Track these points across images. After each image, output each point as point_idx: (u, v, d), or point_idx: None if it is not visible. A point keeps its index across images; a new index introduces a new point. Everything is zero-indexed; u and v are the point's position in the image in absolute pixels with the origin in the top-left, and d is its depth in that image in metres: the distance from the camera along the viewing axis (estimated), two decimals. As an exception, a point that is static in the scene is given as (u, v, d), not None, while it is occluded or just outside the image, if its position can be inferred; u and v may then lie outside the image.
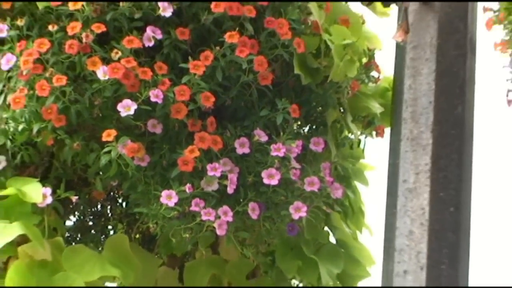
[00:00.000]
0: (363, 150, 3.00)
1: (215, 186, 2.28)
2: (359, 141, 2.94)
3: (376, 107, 2.79)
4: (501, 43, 2.55)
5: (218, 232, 2.30)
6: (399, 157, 2.61)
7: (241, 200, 2.32)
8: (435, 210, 2.47)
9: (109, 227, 2.88)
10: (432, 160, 2.52)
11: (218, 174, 2.26)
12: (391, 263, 2.50)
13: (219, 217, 2.26)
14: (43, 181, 2.35)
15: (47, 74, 2.25)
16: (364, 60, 2.79)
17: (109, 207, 2.86)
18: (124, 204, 2.83)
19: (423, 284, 2.40)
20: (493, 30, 2.58)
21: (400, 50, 2.79)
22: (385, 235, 2.64)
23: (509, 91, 2.53)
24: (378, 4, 2.91)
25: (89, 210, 2.84)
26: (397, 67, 2.79)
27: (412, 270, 2.42)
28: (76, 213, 2.82)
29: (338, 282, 2.81)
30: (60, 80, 2.22)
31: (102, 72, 2.24)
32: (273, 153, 2.34)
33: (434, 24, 2.70)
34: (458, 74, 2.63)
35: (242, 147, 2.35)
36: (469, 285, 2.58)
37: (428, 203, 2.47)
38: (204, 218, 2.26)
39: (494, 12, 2.55)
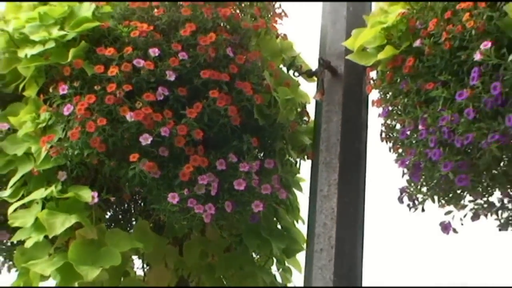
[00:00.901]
0: (298, 168, 2.95)
1: (203, 190, 2.31)
2: (296, 162, 2.89)
3: (307, 140, 2.81)
4: (377, 101, 2.47)
5: (206, 220, 2.32)
6: (318, 175, 2.68)
7: (220, 200, 2.32)
8: (341, 210, 2.55)
9: (133, 219, 2.83)
10: (339, 177, 2.59)
11: (205, 182, 2.30)
12: (312, 243, 2.57)
13: (206, 211, 2.28)
14: (91, 188, 2.35)
15: (93, 118, 2.27)
16: (299, 109, 2.80)
17: (132, 205, 2.82)
18: (142, 203, 2.77)
19: (333, 258, 2.46)
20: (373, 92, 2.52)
21: (319, 104, 2.83)
22: (309, 225, 2.71)
23: (382, 131, 2.45)
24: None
25: (120, 207, 2.80)
26: (317, 116, 2.84)
27: (325, 249, 2.49)
28: (112, 208, 2.79)
29: (283, 254, 2.82)
30: (102, 121, 2.24)
31: (129, 116, 2.26)
32: (241, 169, 2.40)
33: (340, 89, 2.74)
34: (357, 121, 2.72)
35: (221, 165, 2.39)
36: (364, 258, 2.65)
37: (336, 205, 2.55)
38: (196, 211, 2.29)
39: (373, 80, 2.49)
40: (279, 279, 2.97)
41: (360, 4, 2.83)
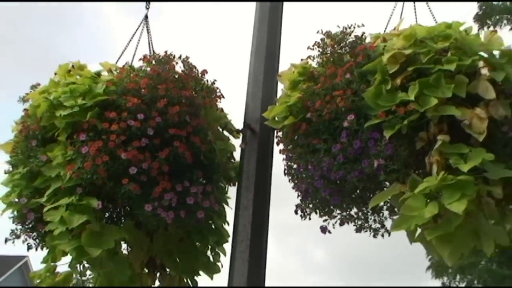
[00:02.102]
0: (227, 191, 3.41)
1: (167, 203, 2.80)
2: (225, 187, 3.35)
3: (233, 174, 3.33)
4: (282, 150, 3.04)
5: (168, 221, 2.84)
6: (240, 194, 3.19)
7: (178, 209, 2.82)
8: (254, 216, 3.11)
9: (122, 219, 3.16)
10: (254, 196, 3.15)
11: (169, 198, 2.80)
12: (236, 236, 3.12)
13: (169, 216, 2.80)
14: (97, 198, 2.84)
15: (100, 155, 2.78)
16: (229, 154, 3.31)
17: (122, 210, 3.13)
18: (129, 209, 3.05)
19: (248, 247, 3.02)
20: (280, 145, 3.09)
21: (243, 151, 3.32)
22: (234, 224, 3.17)
23: (285, 169, 3.03)
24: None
25: (115, 211, 3.14)
26: (241, 158, 3.34)
27: (244, 240, 3.05)
28: (109, 211, 3.13)
29: (215, 244, 3.29)
30: (105, 158, 2.78)
31: (123, 155, 2.78)
32: (192, 191, 2.88)
33: (256, 142, 3.26)
34: (266, 162, 3.29)
35: (179, 187, 2.85)
36: (268, 247, 3.13)
37: (251, 213, 3.10)
38: (163, 215, 2.80)
39: (280, 137, 3.05)
40: (211, 259, 3.36)
41: (270, 88, 3.36)
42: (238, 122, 3.44)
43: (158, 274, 3.28)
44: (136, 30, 3.69)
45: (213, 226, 3.33)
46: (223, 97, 3.26)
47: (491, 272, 21.39)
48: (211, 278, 3.30)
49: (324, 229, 3.02)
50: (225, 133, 3.33)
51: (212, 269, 3.31)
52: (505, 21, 15.73)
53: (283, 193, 3.50)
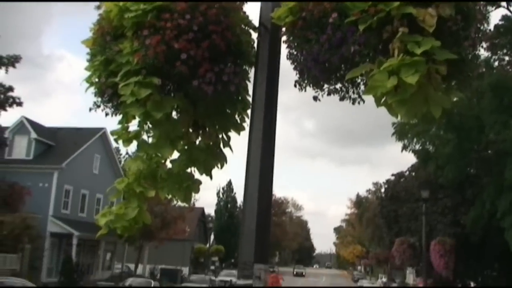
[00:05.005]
0: (249, 72, 3.95)
1: (208, 80, 3.56)
2: None
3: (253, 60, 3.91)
4: (286, 41, 3.55)
5: (209, 93, 3.52)
6: (257, 75, 3.75)
7: None
8: (267, 91, 3.68)
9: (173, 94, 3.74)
10: (266, 77, 3.71)
11: (209, 76, 3.48)
12: (254, 105, 3.69)
13: (210, 89, 3.60)
14: (157, 77, 3.55)
15: (160, 46, 3.43)
16: None
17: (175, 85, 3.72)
18: (180, 84, 3.64)
19: (263, 112, 3.56)
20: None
21: (259, 42, 3.84)
22: (252, 98, 3.69)
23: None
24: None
25: (170, 86, 3.75)
26: (258, 48, 3.87)
27: (260, 107, 3.64)
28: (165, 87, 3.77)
29: None
30: (163, 47, 3.45)
31: (176, 45, 3.45)
32: (226, 71, 3.50)
33: (267, 36, 3.77)
34: (275, 52, 3.81)
35: (216, 69, 3.55)
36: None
37: (265, 88, 3.64)
38: (205, 89, 3.50)
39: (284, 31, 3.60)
40: (239, 121, 3.99)
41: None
42: (255, 21, 3.99)
43: (200, 132, 4.04)
44: None
45: (239, 97, 4.00)
46: (246, 1, 3.95)
47: (439, 136, 23.95)
48: (239, 134, 4.08)
49: (315, 98, 3.79)
50: (247, 29, 3.95)
51: (239, 128, 4.09)
52: None
53: (287, 76, 4.21)
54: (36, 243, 30.48)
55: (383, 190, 48.43)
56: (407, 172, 39.15)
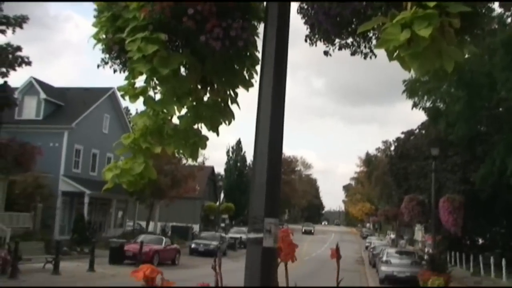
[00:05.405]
0: (258, 28, 3.91)
1: (216, 36, 3.48)
2: None
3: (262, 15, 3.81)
4: None
5: (217, 48, 3.49)
6: (267, 30, 3.59)
7: None
8: (277, 48, 3.50)
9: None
10: (276, 33, 3.55)
11: (217, 32, 3.52)
12: (263, 61, 3.56)
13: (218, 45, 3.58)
14: (164, 33, 3.49)
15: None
16: None
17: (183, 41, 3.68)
18: (187, 40, 3.60)
19: (273, 68, 3.44)
20: None
21: None
22: (262, 54, 3.56)
23: None
24: None
25: (177, 42, 3.71)
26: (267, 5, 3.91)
27: (270, 63, 3.52)
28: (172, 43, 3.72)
29: None
30: (170, 3, 3.45)
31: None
32: (234, 26, 3.46)
33: None
34: (286, 7, 3.80)
35: (224, 24, 3.53)
36: None
37: (275, 45, 3.48)
38: (212, 44, 3.49)
39: None
40: (247, 77, 3.94)
41: None
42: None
43: (208, 88, 4.01)
44: None
45: (248, 53, 3.90)
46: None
47: (450, 94, 23.81)
48: (247, 90, 4.04)
49: (326, 53, 3.79)
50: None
51: (247, 84, 4.03)
52: None
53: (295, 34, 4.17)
54: (48, 201, 31.07)
55: (392, 148, 48.55)
56: (417, 130, 39.10)
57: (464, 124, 24.55)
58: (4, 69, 24.74)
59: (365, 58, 3.78)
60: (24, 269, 18.28)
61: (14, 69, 25.17)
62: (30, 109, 35.53)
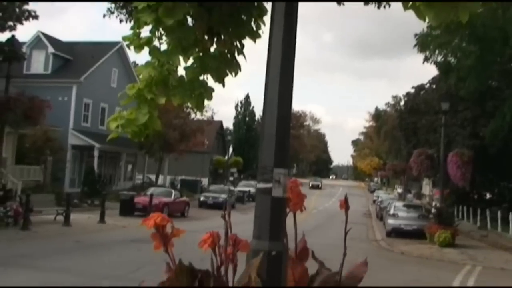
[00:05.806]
0: None
1: None
2: None
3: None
4: None
5: None
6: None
7: None
8: None
9: None
10: None
11: None
12: (273, 16, 3.31)
13: None
14: None
15: None
16: None
17: None
18: None
19: (284, 17, 3.23)
20: None
21: None
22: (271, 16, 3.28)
23: None
24: None
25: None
26: None
27: (281, 11, 3.29)
28: None
29: None
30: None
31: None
32: None
33: None
34: None
35: None
36: None
37: None
38: None
39: None
40: (254, 28, 3.82)
41: None
42: None
43: (215, 39, 3.89)
44: None
45: (255, 3, 3.80)
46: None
47: (461, 48, 23.69)
48: (254, 41, 3.94)
49: (339, 1, 3.79)
50: None
51: (255, 35, 3.93)
52: None
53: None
54: (58, 155, 31.42)
55: (402, 103, 48.39)
56: (428, 85, 38.81)
57: (475, 79, 24.37)
58: (11, 23, 24.56)
59: (378, 7, 3.70)
60: (35, 220, 18.57)
61: (21, 23, 25.00)
62: (38, 63, 35.57)
